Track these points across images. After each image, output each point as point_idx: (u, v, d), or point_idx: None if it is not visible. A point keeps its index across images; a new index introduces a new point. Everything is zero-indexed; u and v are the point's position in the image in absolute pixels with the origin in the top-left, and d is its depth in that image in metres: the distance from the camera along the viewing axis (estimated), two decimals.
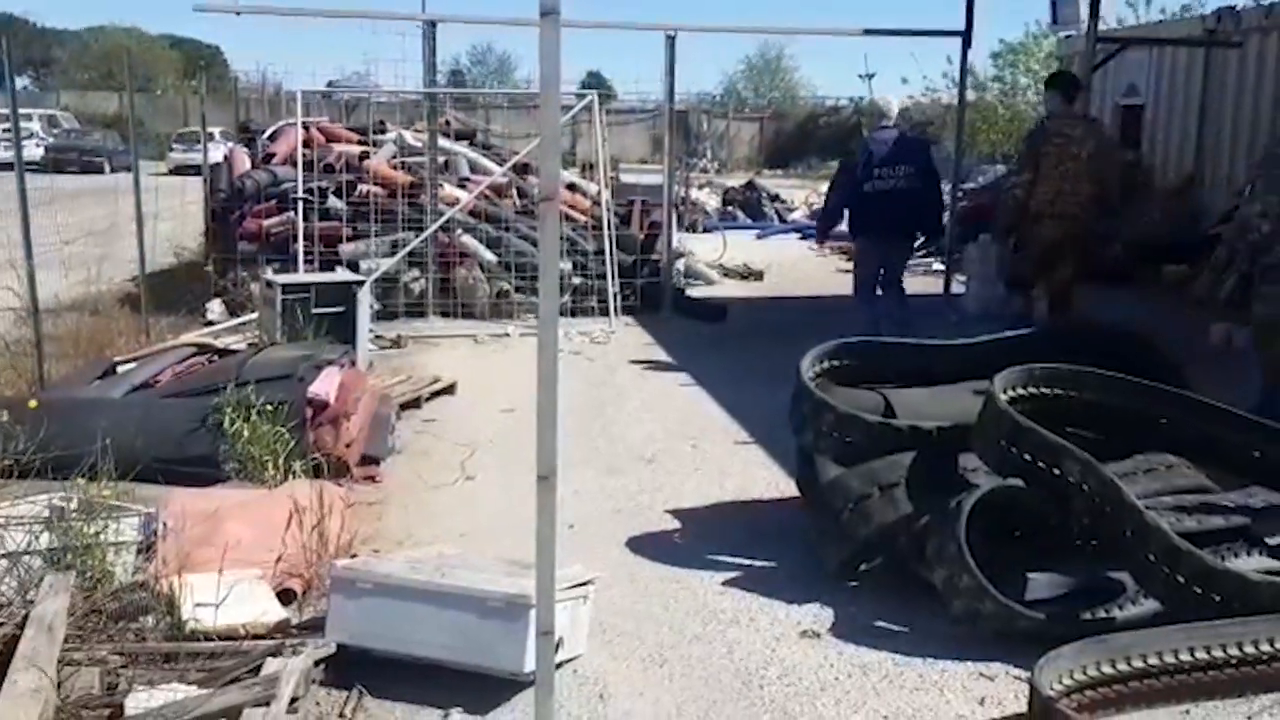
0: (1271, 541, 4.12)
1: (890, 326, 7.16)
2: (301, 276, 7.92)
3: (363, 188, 9.60)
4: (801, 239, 15.92)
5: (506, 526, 4.83)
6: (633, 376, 7.73)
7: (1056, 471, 3.85)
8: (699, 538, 4.77)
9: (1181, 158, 13.67)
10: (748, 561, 4.49)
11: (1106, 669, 3.29)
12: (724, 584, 4.27)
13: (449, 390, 7.08)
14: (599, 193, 10.20)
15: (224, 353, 6.39)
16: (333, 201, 9.44)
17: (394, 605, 3.43)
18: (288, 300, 7.27)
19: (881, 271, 8.01)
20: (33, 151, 26.91)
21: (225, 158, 10.78)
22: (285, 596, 3.94)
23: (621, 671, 3.61)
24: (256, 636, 3.52)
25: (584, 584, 3.63)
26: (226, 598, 3.55)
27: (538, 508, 2.64)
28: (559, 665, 3.53)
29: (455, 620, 3.35)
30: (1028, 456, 3.92)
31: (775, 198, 19.53)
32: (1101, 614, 3.77)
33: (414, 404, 6.70)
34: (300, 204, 9.02)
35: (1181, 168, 13.64)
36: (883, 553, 4.22)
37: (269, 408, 5.08)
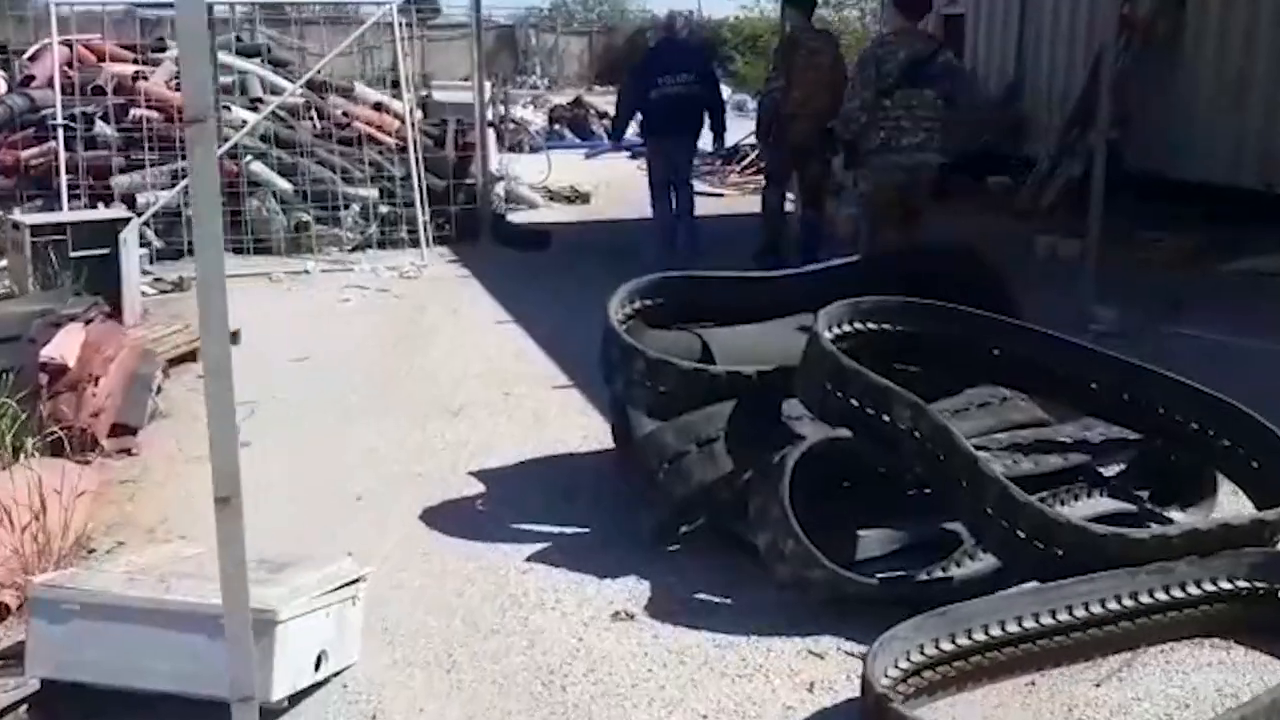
0: (1110, 479, 3.85)
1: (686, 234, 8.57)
2: (55, 216, 6.92)
3: (135, 112, 8.53)
4: (631, 158, 15.30)
5: (281, 506, 4.19)
6: (444, 314, 7.07)
7: (886, 417, 3.44)
8: (505, 504, 4.23)
9: (1003, 66, 13.59)
10: (557, 529, 3.98)
11: (946, 645, 2.92)
12: (529, 559, 3.75)
13: (232, 339, 6.27)
14: (408, 112, 9.37)
15: None
16: (101, 128, 8.35)
17: (108, 629, 2.78)
18: (39, 244, 6.31)
19: (673, 173, 8.75)
20: None
21: None
22: None
23: (401, 681, 3.06)
24: None
25: (352, 583, 3.05)
26: None
27: (219, 538, 2.02)
28: (323, 682, 2.97)
29: (184, 643, 2.73)
30: (854, 401, 3.50)
31: (604, 115, 18.79)
32: (938, 573, 3.41)
33: (190, 357, 5.90)
34: (60, 131, 7.93)
35: (1003, 76, 13.57)
36: (703, 515, 3.77)
37: None
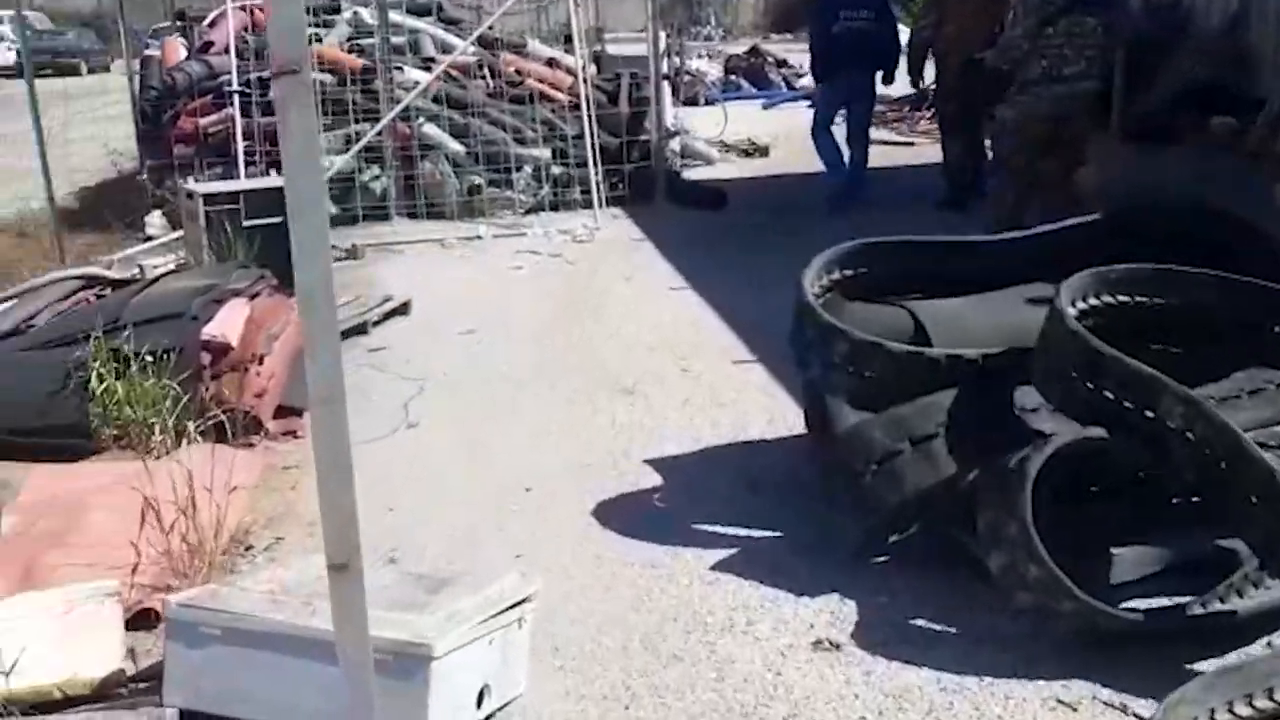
0: None
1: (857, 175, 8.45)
2: (229, 184, 6.81)
3: (313, 75, 8.39)
4: (811, 107, 14.54)
5: (448, 495, 3.86)
6: (617, 280, 6.65)
7: (1150, 413, 2.81)
8: (684, 499, 3.77)
9: None
10: (744, 532, 3.50)
11: (1244, 710, 2.31)
12: (714, 568, 3.29)
13: (402, 310, 6.04)
14: (580, 67, 8.96)
15: (118, 284, 5.35)
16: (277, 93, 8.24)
17: (250, 656, 2.47)
18: (212, 214, 6.20)
19: (846, 115, 8.56)
20: (4, 56, 25.54)
21: (158, 50, 9.56)
22: (143, 619, 3.02)
23: (573, 717, 2.66)
24: (74, 700, 2.58)
25: (519, 603, 2.66)
26: (30, 645, 2.59)
27: (335, 612, 1.60)
28: (488, 718, 2.59)
29: (331, 677, 2.38)
30: (1109, 393, 2.88)
31: (782, 63, 18.01)
32: (1217, 604, 2.78)
33: (359, 330, 5.68)
34: (236, 98, 7.86)
35: (1226, 3, 12.14)
36: (918, 523, 3.22)
37: (150, 358, 4.08)
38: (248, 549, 3.50)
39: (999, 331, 3.34)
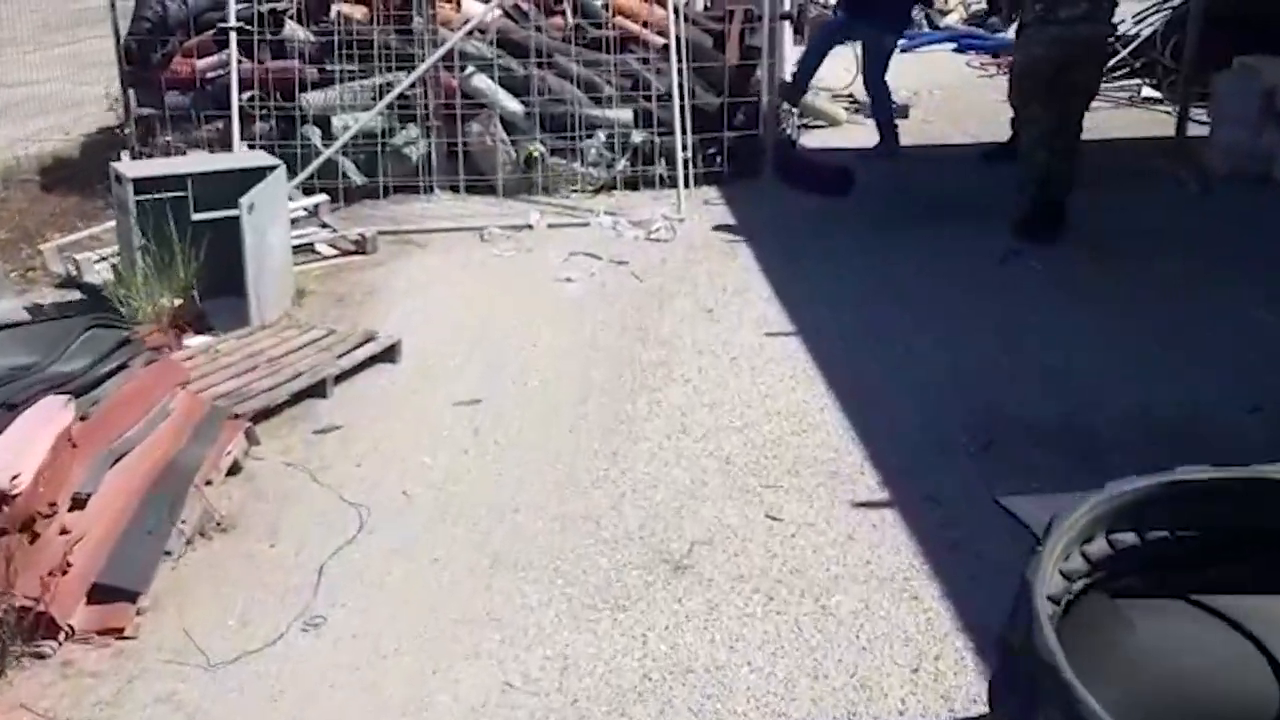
0: None
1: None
2: (169, 163, 5.05)
3: (337, 8, 6.53)
4: (959, 52, 12.09)
5: None
6: (694, 315, 4.68)
7: None
8: None
9: None
10: None
11: None
12: None
13: (388, 355, 4.20)
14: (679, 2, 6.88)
15: None
16: (292, 30, 6.41)
17: None
18: (146, 205, 4.44)
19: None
20: None
21: None
22: None
23: None
24: None
25: None
26: None
27: None
28: None
29: None
30: None
31: None
32: None
33: (317, 390, 3.87)
34: (233, 36, 6.05)
35: None
36: None
37: None
38: None
39: None
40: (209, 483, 3.11)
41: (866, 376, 4.00)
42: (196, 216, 4.50)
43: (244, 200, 4.22)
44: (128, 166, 4.55)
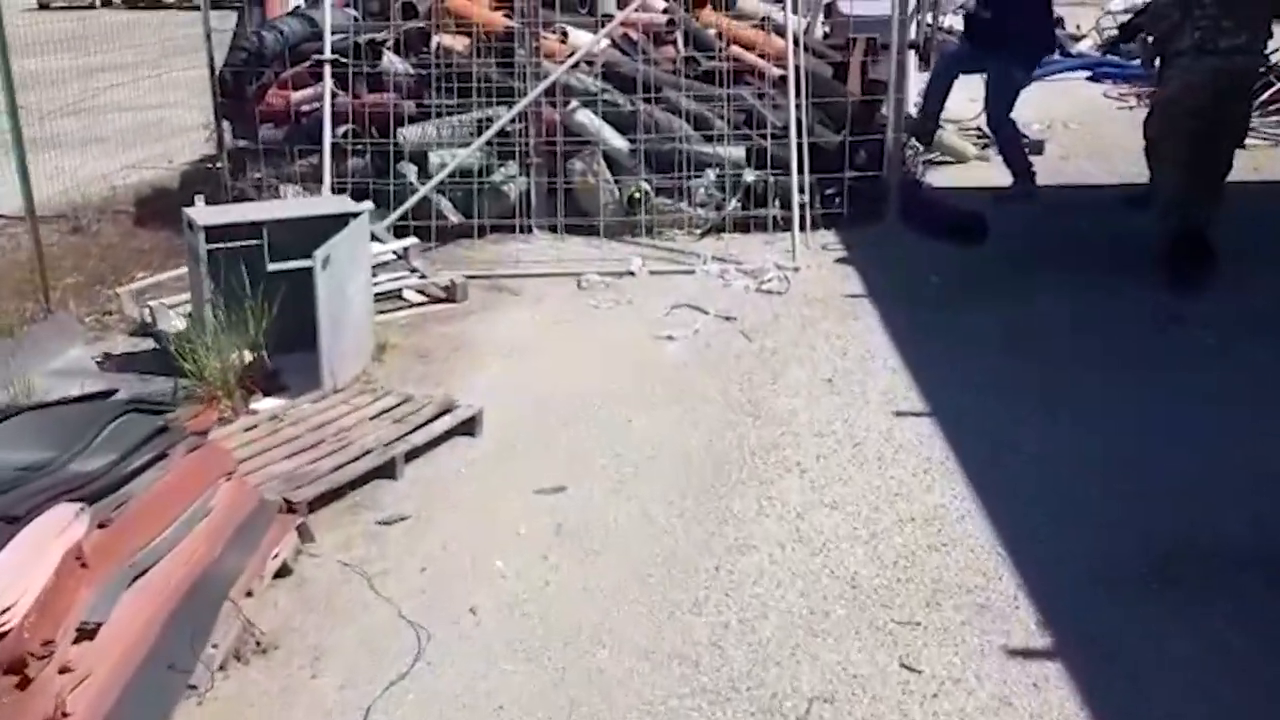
0: None
1: None
2: (248, 208, 4.70)
3: (437, 39, 6.16)
4: (1093, 81, 11.26)
5: None
6: (812, 385, 4.11)
7: None
8: None
9: None
10: None
11: None
12: None
13: (467, 427, 3.74)
14: (797, 28, 6.33)
15: None
16: (390, 62, 6.06)
17: None
18: (219, 255, 4.08)
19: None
20: None
21: None
22: None
23: None
24: None
25: None
26: None
27: None
28: None
29: None
30: None
31: (1057, 22, 14.51)
32: None
33: (387, 471, 3.43)
34: (327, 69, 5.72)
35: None
36: None
37: None
38: None
39: None
40: (249, 594, 2.67)
41: (1015, 476, 3.38)
42: (272, 267, 4.15)
43: (318, 253, 3.82)
44: (201, 212, 4.20)
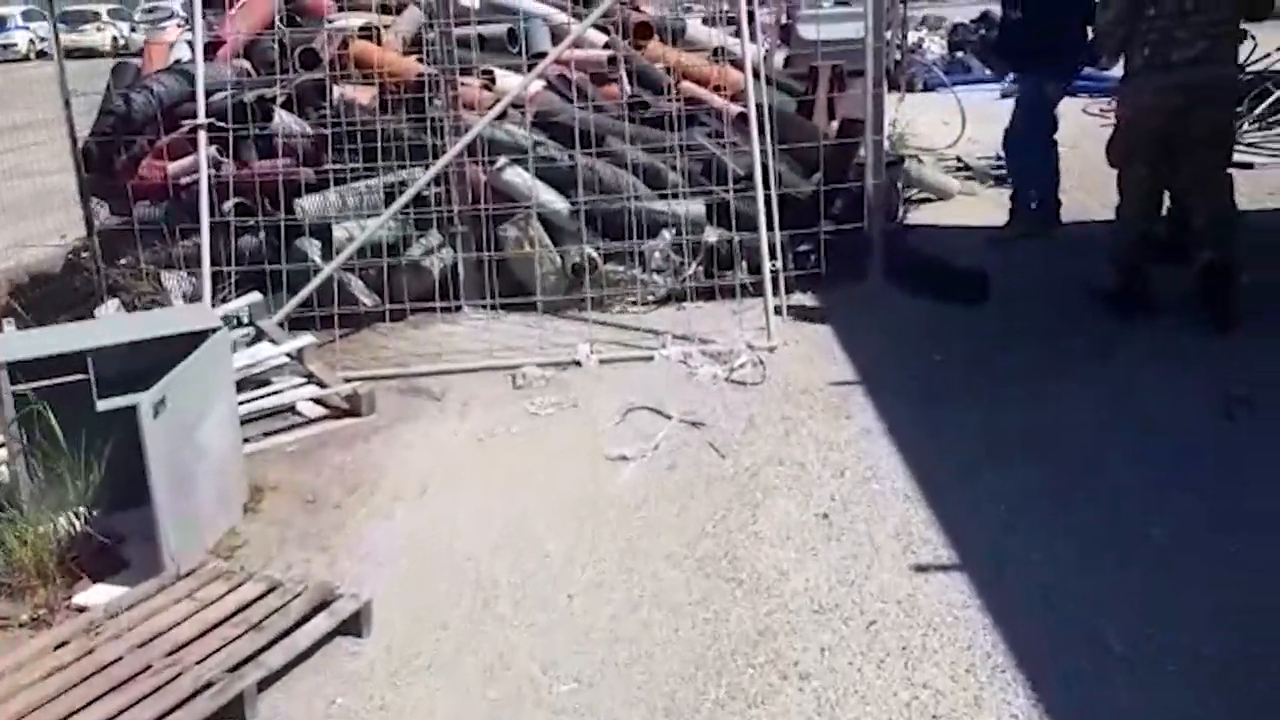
0: None
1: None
2: (74, 331, 3.69)
3: (340, 91, 5.18)
4: (1069, 95, 10.38)
5: None
6: (803, 526, 3.14)
7: None
8: None
9: None
10: None
11: None
12: None
13: (349, 626, 2.75)
14: (755, 57, 5.39)
15: None
16: (282, 121, 5.06)
17: None
18: (26, 398, 3.08)
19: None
20: None
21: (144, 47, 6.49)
22: None
23: None
24: None
25: None
26: None
27: None
28: None
29: None
30: None
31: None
32: None
33: (233, 707, 2.43)
34: (201, 135, 4.73)
35: None
36: None
37: None
38: None
39: None
40: None
41: (1097, 686, 2.43)
42: (102, 405, 3.15)
43: (145, 399, 2.82)
44: (7, 341, 3.19)
